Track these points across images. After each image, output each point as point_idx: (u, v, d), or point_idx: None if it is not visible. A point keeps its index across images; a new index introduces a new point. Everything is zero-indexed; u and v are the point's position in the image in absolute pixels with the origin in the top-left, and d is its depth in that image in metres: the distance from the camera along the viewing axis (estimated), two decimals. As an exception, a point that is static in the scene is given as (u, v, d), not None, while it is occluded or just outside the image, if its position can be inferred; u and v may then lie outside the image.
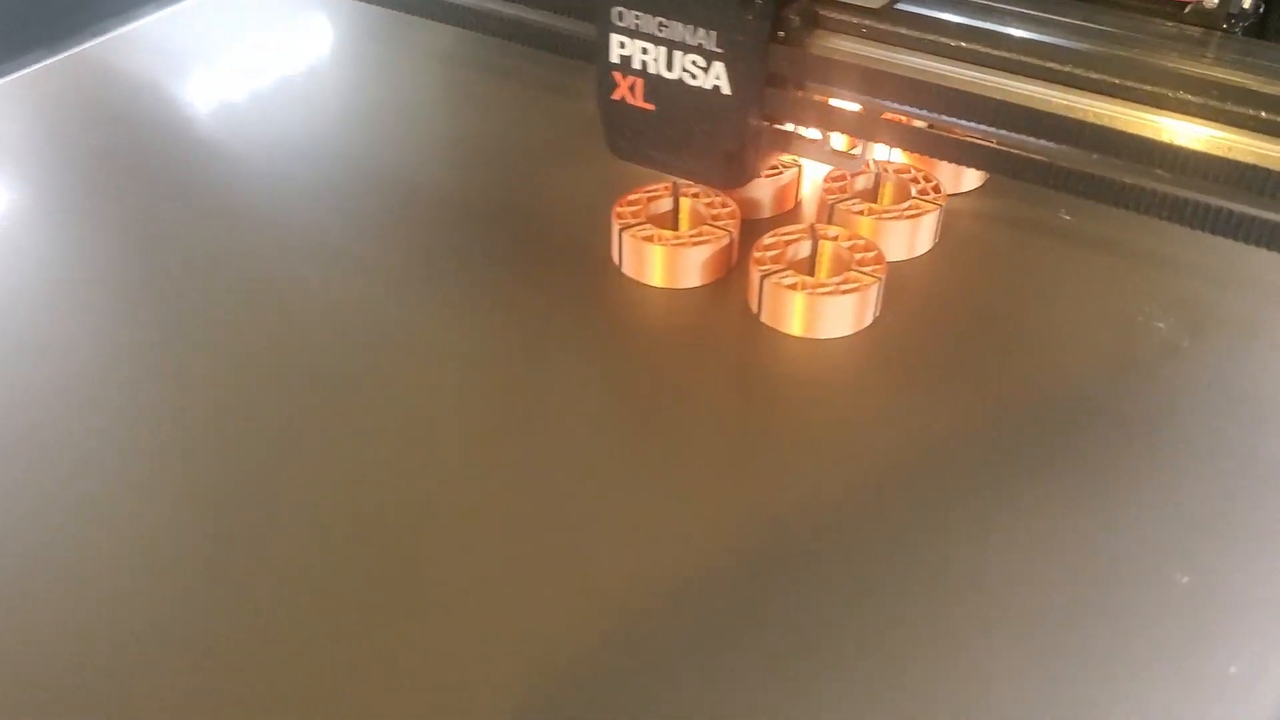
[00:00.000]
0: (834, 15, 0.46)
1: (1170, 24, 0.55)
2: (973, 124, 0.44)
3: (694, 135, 0.47)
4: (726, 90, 0.45)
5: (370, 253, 0.55)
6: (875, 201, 0.55)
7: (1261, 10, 0.51)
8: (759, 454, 0.45)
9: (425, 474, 0.43)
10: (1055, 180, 0.44)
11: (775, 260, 0.51)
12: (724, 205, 0.54)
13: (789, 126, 0.50)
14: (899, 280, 0.53)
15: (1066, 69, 0.42)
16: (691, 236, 0.52)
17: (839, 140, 0.51)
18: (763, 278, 0.50)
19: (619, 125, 0.49)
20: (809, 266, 0.53)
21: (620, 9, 0.46)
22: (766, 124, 0.48)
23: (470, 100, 0.69)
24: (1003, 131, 0.44)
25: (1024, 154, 0.45)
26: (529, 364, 0.49)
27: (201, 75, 0.70)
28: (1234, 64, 0.47)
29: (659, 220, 0.53)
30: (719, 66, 0.45)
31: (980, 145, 0.45)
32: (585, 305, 0.52)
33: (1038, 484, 0.43)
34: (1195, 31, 0.52)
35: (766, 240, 0.52)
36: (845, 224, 0.54)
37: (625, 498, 0.42)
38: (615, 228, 0.52)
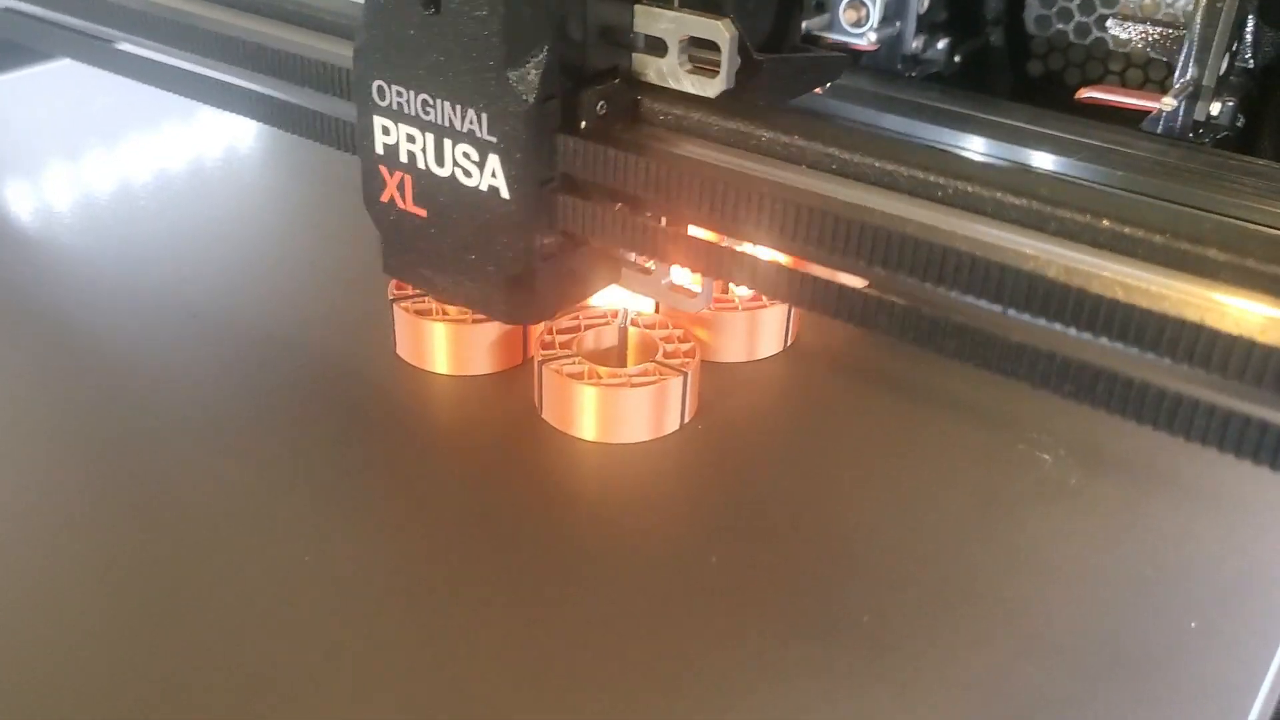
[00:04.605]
0: (654, 104, 0.35)
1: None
2: (842, 259, 0.32)
3: (471, 251, 0.37)
4: (505, 193, 0.35)
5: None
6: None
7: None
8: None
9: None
10: (931, 337, 0.32)
11: (567, 346, 0.42)
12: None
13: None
14: (729, 385, 0.44)
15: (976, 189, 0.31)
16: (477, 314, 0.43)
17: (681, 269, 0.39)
18: (541, 364, 0.41)
19: (389, 234, 0.38)
20: (618, 358, 0.44)
21: (380, 83, 0.35)
22: (568, 242, 0.37)
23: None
24: (881, 269, 0.32)
25: (902, 302, 0.33)
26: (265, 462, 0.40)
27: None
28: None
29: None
30: (494, 161, 0.34)
31: (848, 291, 0.33)
32: (348, 397, 0.43)
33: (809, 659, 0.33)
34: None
35: (564, 321, 0.43)
36: (674, 312, 0.45)
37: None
38: (389, 300, 0.43)
